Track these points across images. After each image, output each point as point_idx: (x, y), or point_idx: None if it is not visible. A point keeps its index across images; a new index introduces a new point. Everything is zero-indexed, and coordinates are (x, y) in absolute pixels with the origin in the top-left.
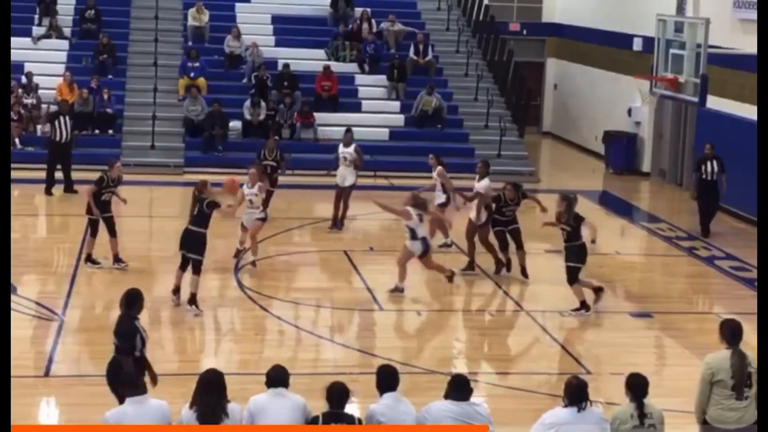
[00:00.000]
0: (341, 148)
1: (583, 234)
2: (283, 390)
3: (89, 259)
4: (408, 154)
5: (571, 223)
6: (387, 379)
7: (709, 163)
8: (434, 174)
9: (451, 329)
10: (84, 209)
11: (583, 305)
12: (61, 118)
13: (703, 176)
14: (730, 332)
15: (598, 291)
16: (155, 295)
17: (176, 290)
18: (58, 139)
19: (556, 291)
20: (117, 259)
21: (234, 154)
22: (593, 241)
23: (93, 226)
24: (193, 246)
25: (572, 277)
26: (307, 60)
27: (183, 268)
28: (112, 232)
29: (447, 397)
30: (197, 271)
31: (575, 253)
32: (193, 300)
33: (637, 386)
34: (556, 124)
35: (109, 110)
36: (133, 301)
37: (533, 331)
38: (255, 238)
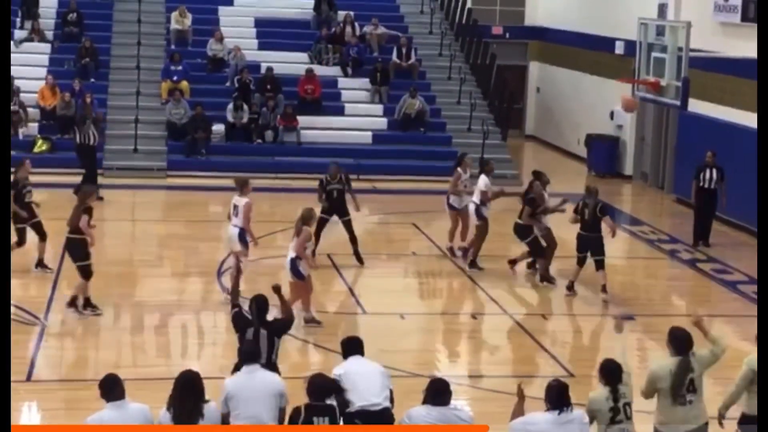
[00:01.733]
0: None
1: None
2: (255, 367)
3: (41, 264)
4: (391, 158)
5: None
6: (350, 347)
7: (708, 171)
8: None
9: (435, 332)
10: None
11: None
12: (88, 122)
13: (701, 184)
14: (675, 342)
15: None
16: (137, 300)
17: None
18: (91, 143)
19: (537, 293)
20: (41, 264)
21: (217, 158)
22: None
23: (22, 234)
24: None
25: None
26: (290, 63)
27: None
28: (43, 235)
29: (425, 402)
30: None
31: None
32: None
33: (610, 372)
34: (538, 128)
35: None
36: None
37: (516, 334)
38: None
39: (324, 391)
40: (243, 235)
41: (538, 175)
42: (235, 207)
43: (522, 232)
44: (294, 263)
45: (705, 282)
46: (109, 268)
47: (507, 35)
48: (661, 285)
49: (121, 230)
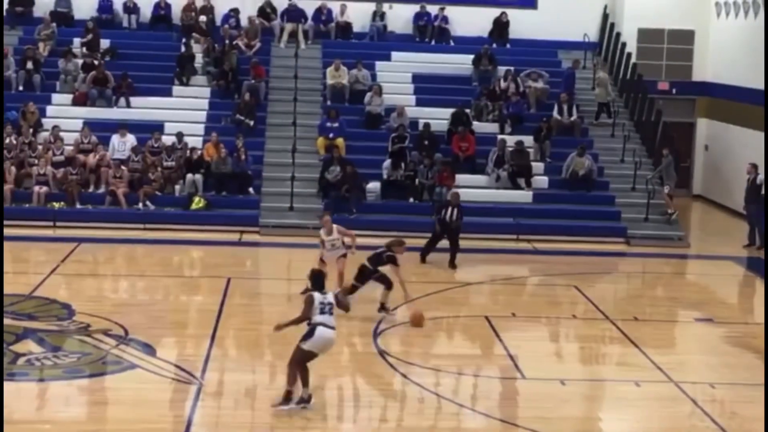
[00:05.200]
0: None
1: None
2: None
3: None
4: (552, 217)
5: None
6: None
7: None
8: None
9: (596, 399)
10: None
11: None
12: None
13: None
14: None
15: None
16: None
17: None
18: None
19: (704, 361)
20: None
21: (372, 216)
22: None
23: None
24: None
25: None
26: (447, 120)
27: None
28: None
29: None
30: None
31: None
32: None
33: None
34: (707, 187)
35: (249, 171)
36: None
37: (680, 402)
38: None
39: None
40: None
41: None
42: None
43: None
44: None
45: None
46: (263, 328)
47: (674, 91)
48: None
49: (276, 289)
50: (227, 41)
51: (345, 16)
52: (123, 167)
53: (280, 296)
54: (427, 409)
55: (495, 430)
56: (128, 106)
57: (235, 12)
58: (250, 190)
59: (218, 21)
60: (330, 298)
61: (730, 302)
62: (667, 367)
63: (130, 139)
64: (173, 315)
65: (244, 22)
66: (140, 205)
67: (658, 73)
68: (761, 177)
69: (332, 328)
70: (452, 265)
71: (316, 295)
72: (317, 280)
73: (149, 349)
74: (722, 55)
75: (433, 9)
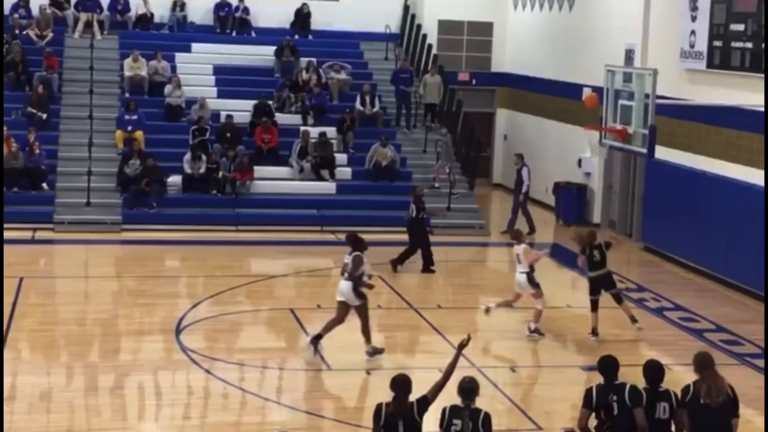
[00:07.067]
0: None
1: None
2: None
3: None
4: (356, 208)
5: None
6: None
7: None
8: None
9: None
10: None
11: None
12: None
13: None
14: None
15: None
16: (91, 360)
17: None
18: None
19: (506, 345)
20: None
21: (174, 210)
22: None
23: None
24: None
25: None
26: (249, 112)
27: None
28: None
29: None
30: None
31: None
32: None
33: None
34: (506, 176)
35: (42, 166)
36: None
37: (485, 388)
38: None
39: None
40: (532, 279)
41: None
42: (517, 255)
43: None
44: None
45: (672, 330)
46: (61, 327)
47: (474, 82)
48: (629, 334)
49: (73, 287)
50: (17, 31)
51: (147, 7)
52: None
53: (77, 295)
54: (231, 405)
55: (300, 422)
56: None
57: (24, 1)
58: (44, 185)
59: (7, 10)
60: None
61: None
62: (470, 354)
63: None
64: None
65: (35, 12)
66: None
67: (459, 64)
68: (526, 168)
69: None
70: (396, 266)
71: None
72: None
73: None
74: (519, 47)
75: (233, 0)
